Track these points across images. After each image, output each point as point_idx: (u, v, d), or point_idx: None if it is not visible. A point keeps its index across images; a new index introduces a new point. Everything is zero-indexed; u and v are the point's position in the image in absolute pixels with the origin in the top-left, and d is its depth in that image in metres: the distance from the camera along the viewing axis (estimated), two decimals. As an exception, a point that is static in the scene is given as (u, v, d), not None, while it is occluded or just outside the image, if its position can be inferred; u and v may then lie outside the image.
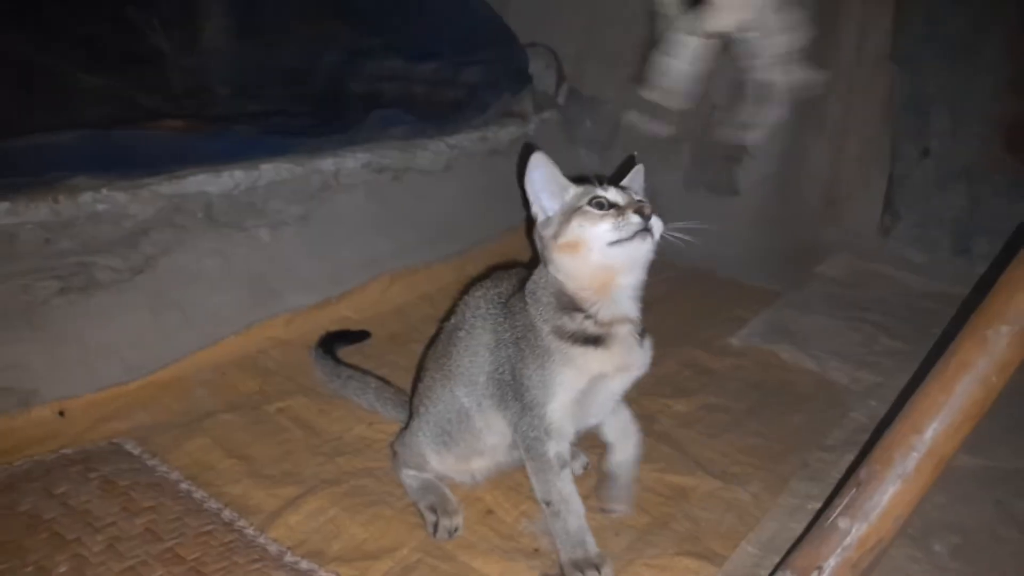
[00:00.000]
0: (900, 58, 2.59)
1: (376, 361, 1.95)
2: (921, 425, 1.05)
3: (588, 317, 1.25)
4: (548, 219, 1.29)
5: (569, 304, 1.26)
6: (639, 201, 1.25)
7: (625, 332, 1.27)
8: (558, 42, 3.12)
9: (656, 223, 1.22)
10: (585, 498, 1.35)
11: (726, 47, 1.37)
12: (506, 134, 2.80)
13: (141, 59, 3.40)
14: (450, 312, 1.52)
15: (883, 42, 2.61)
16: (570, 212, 1.25)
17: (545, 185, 1.29)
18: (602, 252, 1.22)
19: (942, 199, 2.63)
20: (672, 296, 2.47)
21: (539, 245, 1.32)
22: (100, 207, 1.85)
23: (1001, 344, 1.04)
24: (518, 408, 1.30)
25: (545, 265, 1.31)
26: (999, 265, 1.12)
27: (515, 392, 1.30)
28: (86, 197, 1.84)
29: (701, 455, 1.66)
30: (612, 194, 1.25)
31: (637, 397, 1.84)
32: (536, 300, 1.30)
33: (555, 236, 1.25)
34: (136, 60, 3.38)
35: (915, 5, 2.53)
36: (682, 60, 1.43)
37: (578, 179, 1.34)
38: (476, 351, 1.38)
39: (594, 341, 1.25)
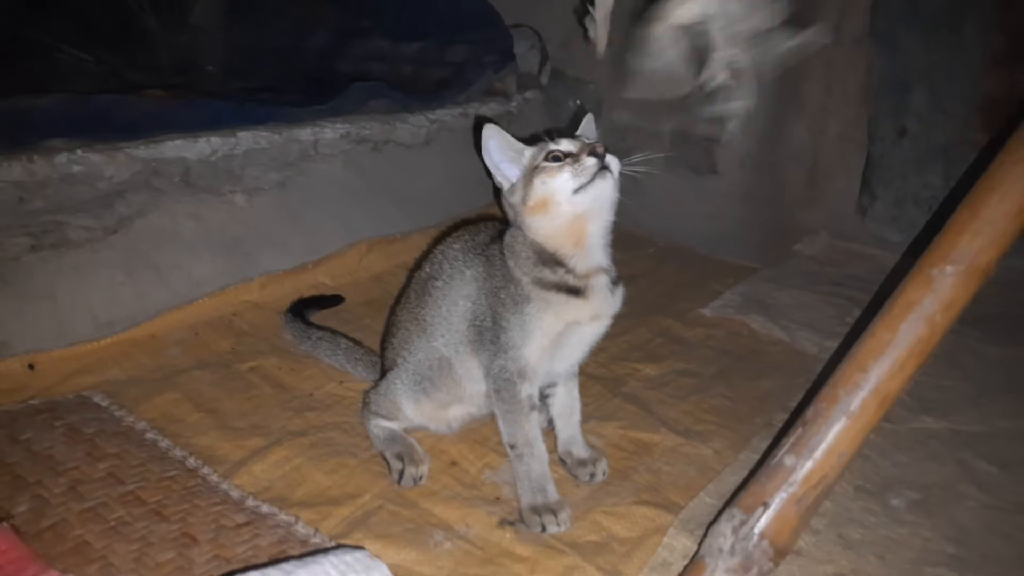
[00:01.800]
0: (879, 37, 2.61)
1: (352, 325, 1.96)
2: (866, 364, 1.07)
3: (568, 271, 1.29)
4: (512, 186, 1.33)
5: (549, 259, 1.29)
6: (591, 144, 1.27)
7: (601, 283, 1.32)
8: (544, 25, 3.14)
9: (612, 160, 1.26)
10: (549, 451, 1.38)
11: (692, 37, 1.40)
12: (488, 111, 2.81)
13: (130, 36, 3.42)
14: (420, 261, 1.53)
15: (862, 21, 2.63)
16: (531, 173, 1.29)
17: (502, 153, 1.33)
18: (570, 202, 1.25)
19: (919, 179, 2.65)
20: (653, 271, 2.50)
21: (510, 213, 1.35)
22: (75, 168, 1.86)
23: (946, 283, 1.05)
24: (493, 351, 1.33)
25: (521, 226, 1.33)
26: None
27: (492, 336, 1.33)
28: (61, 158, 1.85)
29: (667, 415, 1.67)
30: (564, 145, 1.28)
31: (607, 361, 1.88)
32: (515, 254, 1.32)
33: (523, 200, 1.29)
34: (125, 37, 3.40)
35: (893, -16, 2.55)
36: (653, 56, 1.47)
37: (530, 139, 1.38)
38: (455, 300, 1.40)
39: (574, 291, 1.29)
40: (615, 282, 1.35)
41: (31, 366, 1.62)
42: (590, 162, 1.23)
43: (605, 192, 1.25)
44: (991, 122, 2.49)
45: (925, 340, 1.05)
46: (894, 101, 2.66)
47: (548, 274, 1.29)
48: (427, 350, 1.43)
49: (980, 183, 1.08)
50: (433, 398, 1.45)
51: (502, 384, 1.32)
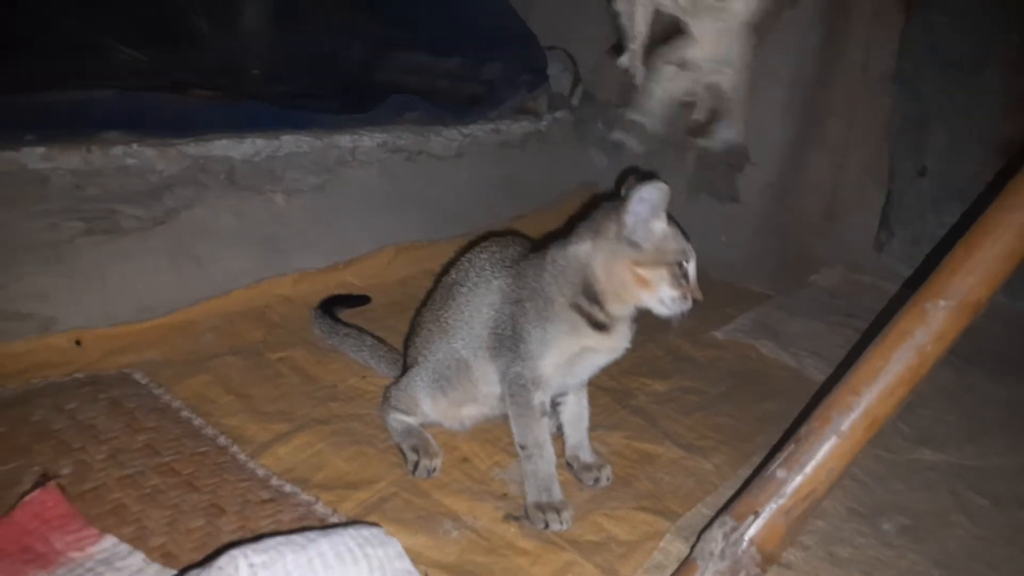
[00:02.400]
0: (902, 78, 2.68)
1: (376, 325, 2.05)
2: (859, 388, 1.14)
3: (602, 310, 1.39)
4: (637, 243, 1.34)
5: (593, 296, 1.38)
6: (696, 289, 1.38)
7: (624, 326, 1.43)
8: (577, 48, 3.24)
9: (688, 305, 1.36)
10: (557, 455, 1.47)
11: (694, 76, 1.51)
12: (518, 128, 2.92)
13: (181, 37, 3.58)
14: (447, 267, 1.63)
15: (887, 63, 2.69)
16: (659, 259, 1.34)
17: (650, 211, 1.33)
18: (649, 302, 1.37)
19: (936, 218, 2.70)
20: (666, 292, 2.56)
21: (607, 246, 1.36)
22: (129, 161, 1.99)
23: (939, 316, 1.12)
24: (511, 358, 1.42)
25: (593, 256, 1.37)
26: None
27: (512, 344, 1.42)
28: (117, 150, 1.98)
29: (671, 429, 1.74)
30: (692, 270, 1.38)
31: (617, 375, 1.95)
32: (561, 274, 1.40)
33: (635, 262, 1.34)
34: (176, 38, 3.56)
35: (919, 28, 2.62)
36: (661, 85, 1.57)
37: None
38: (479, 308, 1.48)
39: (599, 326, 1.39)
40: (634, 320, 1.46)
41: (78, 342, 1.73)
42: (686, 304, 1.36)
43: (668, 313, 1.37)
44: (1009, 165, 2.54)
45: (915, 369, 1.12)
46: (915, 140, 2.72)
47: (584, 304, 1.39)
48: (447, 351, 1.52)
49: (976, 226, 1.16)
50: (449, 396, 1.53)
51: (517, 389, 1.41)
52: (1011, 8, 2.44)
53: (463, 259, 1.58)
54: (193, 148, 2.08)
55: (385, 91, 3.01)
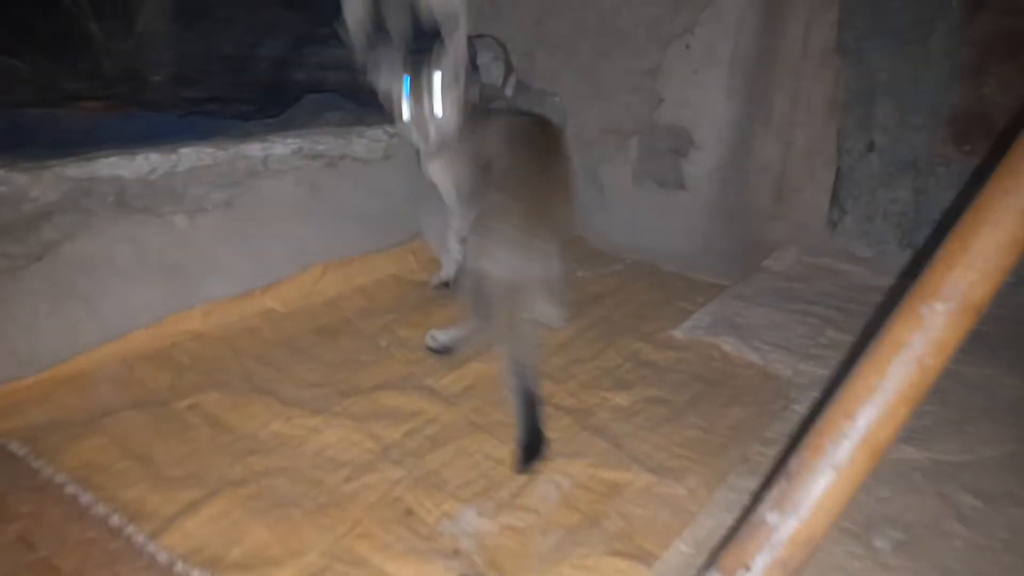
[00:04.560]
0: (845, 51, 2.57)
1: (304, 355, 1.84)
2: (852, 410, 0.98)
3: None
4: None
5: None
6: None
7: None
8: (507, 34, 3.04)
9: None
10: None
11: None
12: (450, 123, 2.70)
13: (70, 43, 3.25)
14: None
15: (828, 35, 2.58)
16: None
17: None
18: None
19: (887, 193, 2.61)
20: (619, 290, 2.41)
21: None
22: (-3, 189, 1.71)
23: (937, 322, 0.98)
24: None
25: None
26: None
27: None
28: (-20, 179, 1.69)
29: (638, 449, 1.57)
30: None
31: (576, 390, 1.79)
32: None
33: None
34: (64, 44, 3.23)
35: (860, -3, 2.51)
36: None
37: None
38: None
39: None
40: None
41: (-61, 411, 1.46)
42: None
43: None
44: (958, 135, 2.46)
45: (916, 384, 0.97)
46: (862, 115, 2.62)
47: None
48: None
49: (968, 214, 1.00)
50: None
51: None
52: (953, -29, 2.35)
53: None
54: (74, 169, 1.80)
55: (301, 91, 2.76)
